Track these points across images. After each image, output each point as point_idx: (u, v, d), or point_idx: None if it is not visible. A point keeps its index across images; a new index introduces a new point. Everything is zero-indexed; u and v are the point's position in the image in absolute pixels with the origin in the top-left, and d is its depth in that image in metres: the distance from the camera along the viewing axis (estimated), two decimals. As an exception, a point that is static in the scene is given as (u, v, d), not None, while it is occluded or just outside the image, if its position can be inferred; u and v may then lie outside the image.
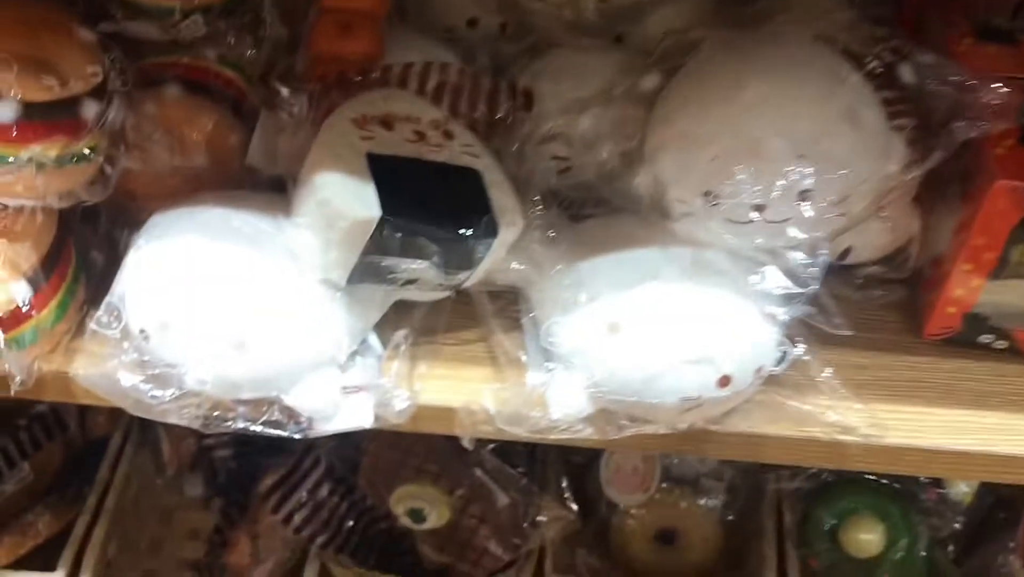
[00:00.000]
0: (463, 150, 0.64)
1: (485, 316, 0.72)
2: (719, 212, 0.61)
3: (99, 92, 0.63)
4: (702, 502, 1.05)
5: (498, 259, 0.63)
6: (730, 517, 1.06)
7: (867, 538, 0.99)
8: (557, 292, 0.66)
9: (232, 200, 0.66)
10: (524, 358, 0.68)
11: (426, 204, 0.58)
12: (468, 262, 0.62)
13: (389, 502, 0.96)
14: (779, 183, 0.59)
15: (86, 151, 0.64)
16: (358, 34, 0.73)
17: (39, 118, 0.60)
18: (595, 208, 0.74)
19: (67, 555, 0.98)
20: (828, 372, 0.67)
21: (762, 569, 1.01)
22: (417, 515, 0.95)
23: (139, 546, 1.11)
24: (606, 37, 0.81)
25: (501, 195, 0.62)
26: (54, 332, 0.68)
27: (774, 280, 0.59)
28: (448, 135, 0.64)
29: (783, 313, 0.59)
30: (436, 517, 0.95)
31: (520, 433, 0.63)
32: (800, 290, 0.59)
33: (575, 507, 1.02)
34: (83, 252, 0.73)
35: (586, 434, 0.64)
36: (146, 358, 0.62)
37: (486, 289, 0.72)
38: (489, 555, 0.98)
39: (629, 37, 0.82)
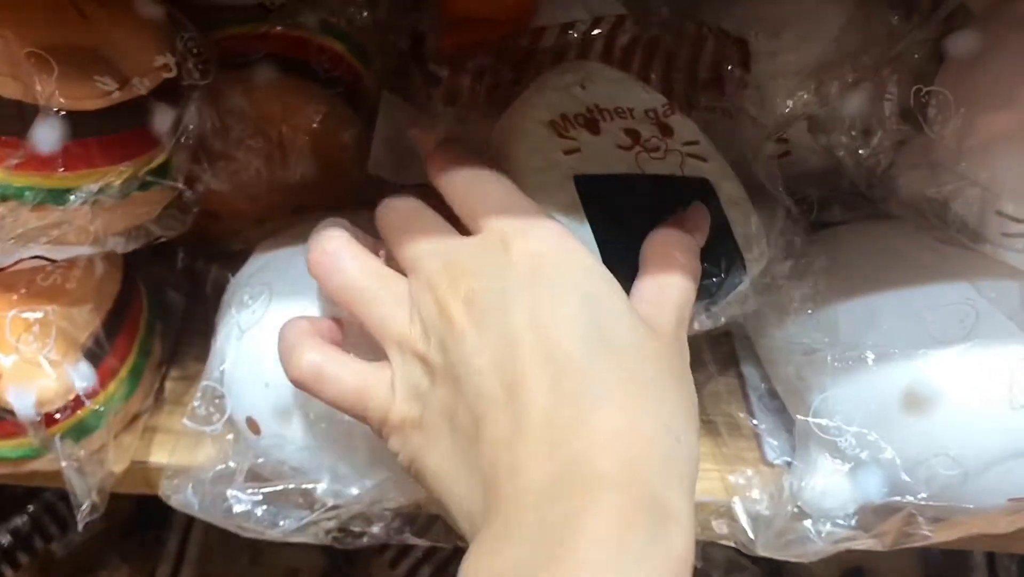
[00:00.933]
0: (687, 151, 0.44)
1: (698, 362, 0.54)
2: (1078, 236, 0.41)
3: (172, 90, 0.45)
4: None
5: (739, 304, 0.44)
6: (932, 554, 0.89)
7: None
8: (815, 347, 0.47)
9: (360, 227, 0.48)
10: (761, 433, 0.50)
11: None
12: (705, 312, 0.43)
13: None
14: None
15: (158, 174, 0.45)
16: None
17: (93, 136, 0.41)
18: (838, 212, 0.55)
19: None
20: None
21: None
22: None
23: (229, 593, 0.96)
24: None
25: (741, 215, 0.43)
26: (127, 409, 0.51)
27: None
28: (666, 130, 0.44)
29: None
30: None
31: (787, 557, 0.44)
32: None
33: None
34: (155, 295, 0.55)
35: (869, 546, 0.46)
36: (259, 460, 0.44)
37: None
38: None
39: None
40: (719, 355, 0.55)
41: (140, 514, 0.92)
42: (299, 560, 0.98)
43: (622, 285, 0.36)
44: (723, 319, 0.45)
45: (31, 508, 0.83)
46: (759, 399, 0.52)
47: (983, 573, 0.86)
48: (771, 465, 0.50)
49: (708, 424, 0.52)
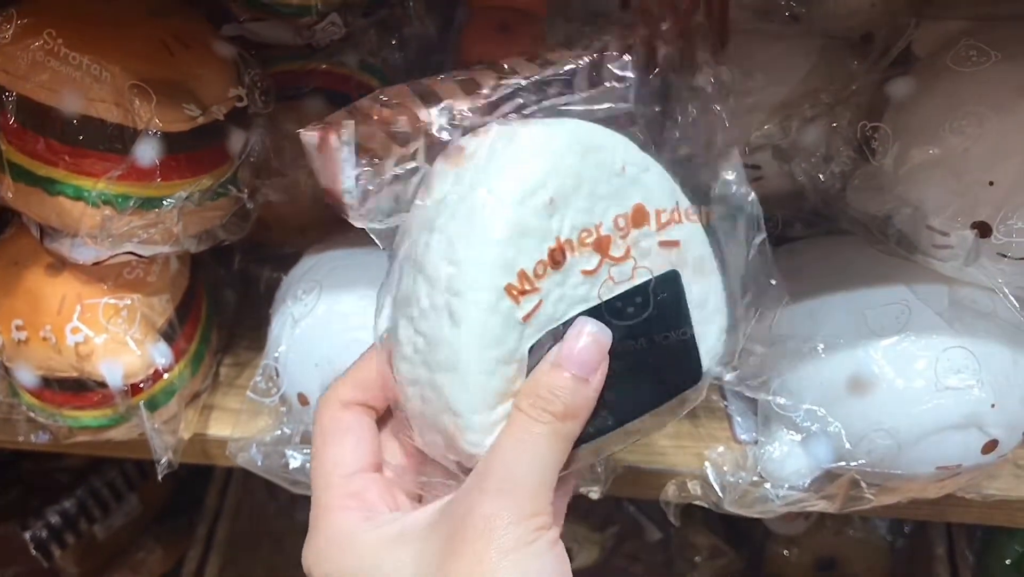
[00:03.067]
0: (665, 236, 0.39)
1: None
2: (991, 247, 0.50)
3: (241, 116, 0.54)
4: (866, 528, 0.95)
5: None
6: (897, 544, 0.96)
7: (1058, 570, 0.88)
8: (773, 340, 0.56)
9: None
10: (732, 414, 0.58)
11: (631, 375, 0.38)
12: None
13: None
14: (1074, 213, 0.48)
15: (227, 185, 0.54)
16: (517, 33, 0.63)
17: (182, 152, 0.50)
18: (799, 228, 0.64)
19: (181, 592, 0.90)
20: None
21: (935, 601, 0.91)
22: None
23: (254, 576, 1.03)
24: (778, 18, 0.70)
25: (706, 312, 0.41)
26: (190, 387, 0.59)
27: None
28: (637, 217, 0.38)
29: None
30: (586, 557, 0.85)
31: (748, 513, 0.53)
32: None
33: (727, 536, 0.92)
34: (215, 292, 0.64)
35: (820, 508, 0.54)
36: (311, 428, 0.53)
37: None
38: (640, 594, 0.89)
39: (806, 18, 0.70)
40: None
41: (173, 501, 1.00)
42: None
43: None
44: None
45: (78, 492, 0.90)
46: (731, 387, 0.61)
47: (945, 564, 0.93)
48: (740, 442, 0.59)
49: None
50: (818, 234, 0.62)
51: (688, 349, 0.39)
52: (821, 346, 0.53)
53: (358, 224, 0.37)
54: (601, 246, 0.37)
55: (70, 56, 0.48)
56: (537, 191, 0.35)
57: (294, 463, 0.52)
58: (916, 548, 0.96)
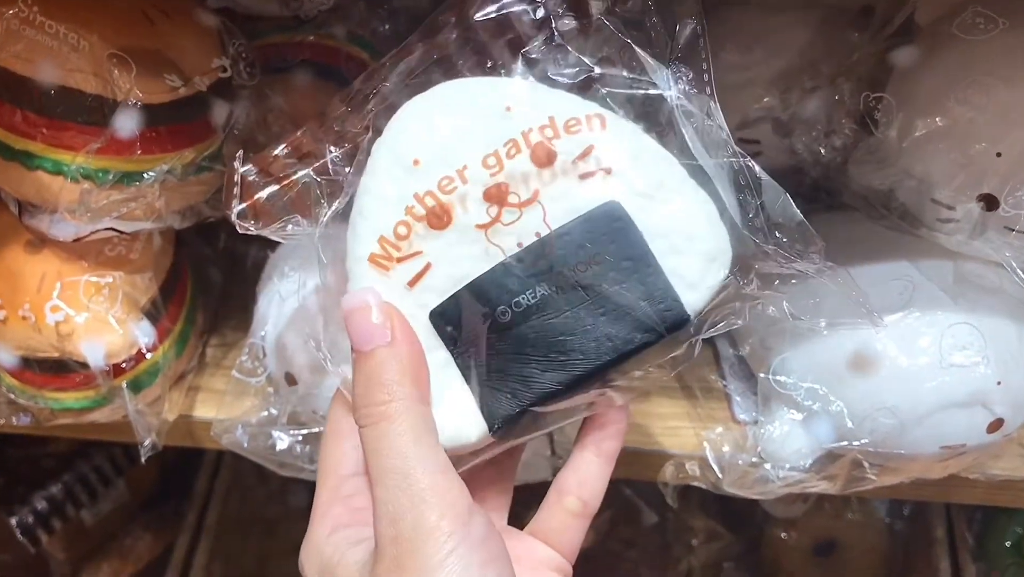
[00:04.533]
0: (585, 168, 0.36)
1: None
2: (998, 220, 0.49)
3: (225, 88, 0.52)
4: (865, 511, 0.94)
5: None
6: (897, 526, 0.95)
7: (1059, 552, 0.87)
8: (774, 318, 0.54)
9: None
10: (731, 394, 0.57)
11: (558, 329, 0.36)
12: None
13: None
14: (1084, 183, 0.46)
15: (211, 159, 0.52)
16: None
17: (164, 124, 0.48)
18: (799, 205, 0.62)
19: (171, 577, 0.89)
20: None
21: (935, 584, 0.90)
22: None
23: (244, 563, 1.02)
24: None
25: (670, 242, 0.36)
26: (175, 368, 0.58)
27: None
28: (545, 156, 0.36)
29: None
30: (581, 540, 0.84)
31: (748, 495, 0.52)
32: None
33: (725, 519, 0.91)
34: (200, 271, 0.62)
35: (821, 488, 0.53)
36: (299, 409, 0.51)
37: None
38: (637, 579, 0.88)
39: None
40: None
41: (162, 487, 0.99)
42: (308, 534, 1.03)
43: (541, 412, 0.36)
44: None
45: (65, 477, 0.89)
46: (730, 366, 0.60)
47: (944, 546, 0.92)
48: (739, 422, 0.57)
49: (685, 388, 0.60)
50: (819, 210, 0.60)
51: (654, 288, 0.35)
52: (823, 323, 0.51)
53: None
54: (496, 195, 0.35)
55: (46, 24, 0.46)
56: (400, 158, 0.35)
57: (281, 444, 0.50)
58: (915, 530, 0.95)
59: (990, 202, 0.48)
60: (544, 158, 0.35)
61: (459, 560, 0.31)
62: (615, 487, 0.81)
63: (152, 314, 0.54)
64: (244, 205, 0.39)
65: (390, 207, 0.35)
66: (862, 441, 0.51)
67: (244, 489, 1.02)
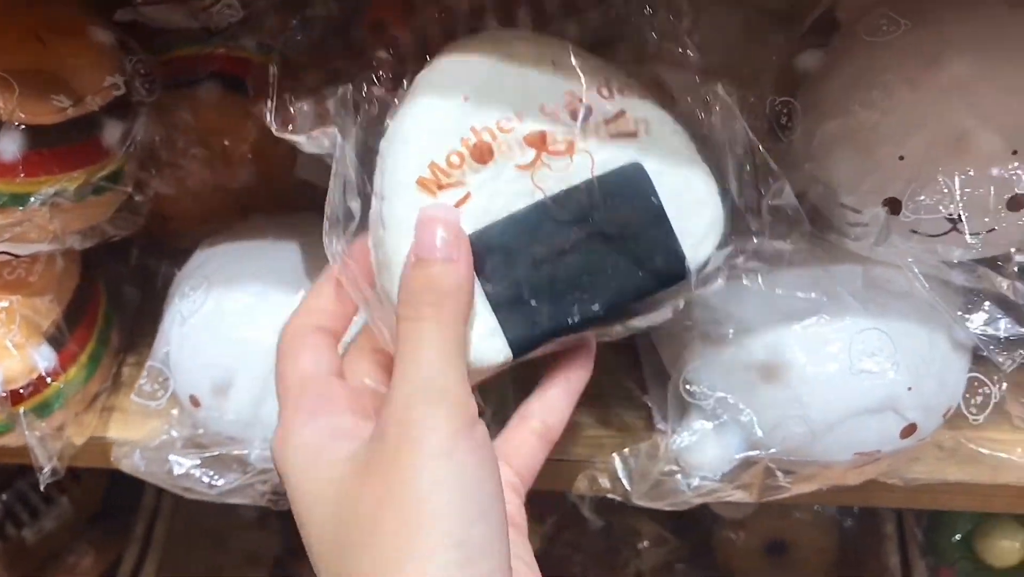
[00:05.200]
0: (612, 130, 0.39)
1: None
2: (904, 224, 0.48)
3: (121, 106, 0.51)
4: (815, 509, 0.93)
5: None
6: (847, 524, 0.95)
7: (1008, 545, 0.87)
8: (690, 325, 0.54)
9: (293, 226, 0.54)
10: (650, 404, 0.56)
11: (579, 269, 0.39)
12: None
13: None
14: (985, 188, 0.46)
15: (110, 180, 0.51)
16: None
17: (50, 147, 0.47)
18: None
19: (118, 594, 0.88)
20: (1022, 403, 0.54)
21: (886, 581, 0.90)
22: (504, 547, 0.83)
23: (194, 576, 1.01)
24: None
25: (682, 203, 0.40)
26: (86, 391, 0.57)
27: (985, 317, 0.47)
28: (583, 113, 0.39)
29: (1007, 362, 0.46)
30: (525, 548, 0.83)
31: (660, 506, 0.51)
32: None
33: (673, 521, 0.91)
34: (113, 289, 0.61)
35: (737, 498, 0.52)
36: (199, 431, 0.51)
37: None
38: (584, 585, 0.87)
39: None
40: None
41: (107, 502, 0.97)
42: (258, 544, 1.03)
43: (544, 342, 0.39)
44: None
45: (4, 496, 0.88)
46: (651, 374, 0.59)
47: (894, 543, 0.92)
48: (659, 431, 0.57)
49: (606, 397, 0.59)
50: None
51: (664, 244, 0.40)
52: (732, 331, 0.51)
53: None
54: (537, 141, 0.38)
55: (-71, 48, 0.45)
56: (450, 92, 0.38)
57: (178, 469, 0.49)
58: (865, 528, 0.95)
59: (894, 206, 0.48)
60: (582, 114, 0.39)
61: (457, 460, 0.32)
62: (559, 494, 0.81)
63: (56, 338, 0.53)
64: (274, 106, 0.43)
65: (442, 136, 0.37)
66: (773, 450, 0.50)
67: (193, 501, 1.01)
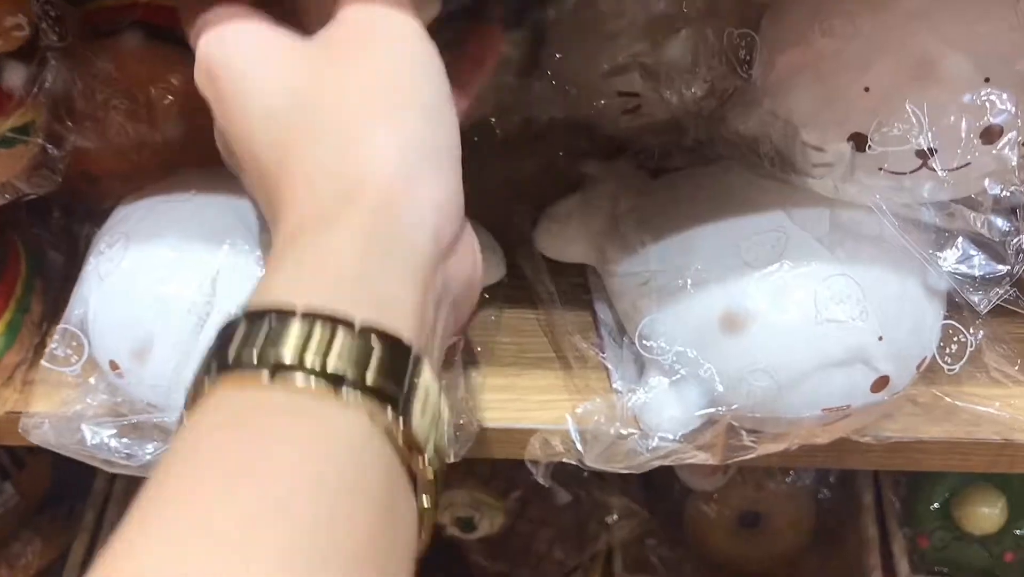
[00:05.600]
0: None
1: (549, 302, 0.57)
2: (871, 160, 0.45)
3: (27, 51, 0.47)
4: (788, 480, 0.91)
5: None
6: (821, 495, 0.92)
7: (986, 512, 0.85)
8: (646, 276, 0.50)
9: (220, 181, 0.50)
10: (608, 364, 0.53)
11: None
12: None
13: (432, 510, 0.81)
14: (956, 118, 0.43)
15: (18, 131, 0.47)
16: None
17: (-55, 93, 0.43)
18: (679, 159, 0.58)
19: (66, 586, 0.84)
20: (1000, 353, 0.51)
21: (863, 552, 0.88)
22: (467, 524, 0.81)
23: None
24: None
25: None
26: (3, 362, 0.53)
27: (958, 254, 0.43)
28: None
29: (982, 301, 0.42)
30: (489, 525, 0.80)
31: (616, 468, 0.48)
32: (1000, 268, 0.42)
33: (644, 495, 0.88)
34: (35, 253, 0.57)
35: (699, 459, 0.49)
36: (119, 400, 0.47)
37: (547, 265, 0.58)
38: (551, 560, 0.84)
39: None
40: (569, 291, 0.58)
41: (55, 488, 0.93)
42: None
43: None
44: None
45: (-55, 484, 0.84)
46: (609, 333, 0.56)
47: (871, 513, 0.89)
48: (618, 392, 0.53)
49: (562, 358, 0.55)
50: (699, 164, 0.56)
51: None
52: (690, 281, 0.48)
53: None
54: None
55: None
56: None
57: (93, 439, 0.46)
58: (842, 497, 0.92)
59: (859, 141, 0.44)
60: None
61: (427, 46, 0.33)
62: (523, 467, 0.77)
63: (-35, 303, 0.49)
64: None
65: None
66: (735, 406, 0.47)
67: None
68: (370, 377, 0.26)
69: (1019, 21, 0.43)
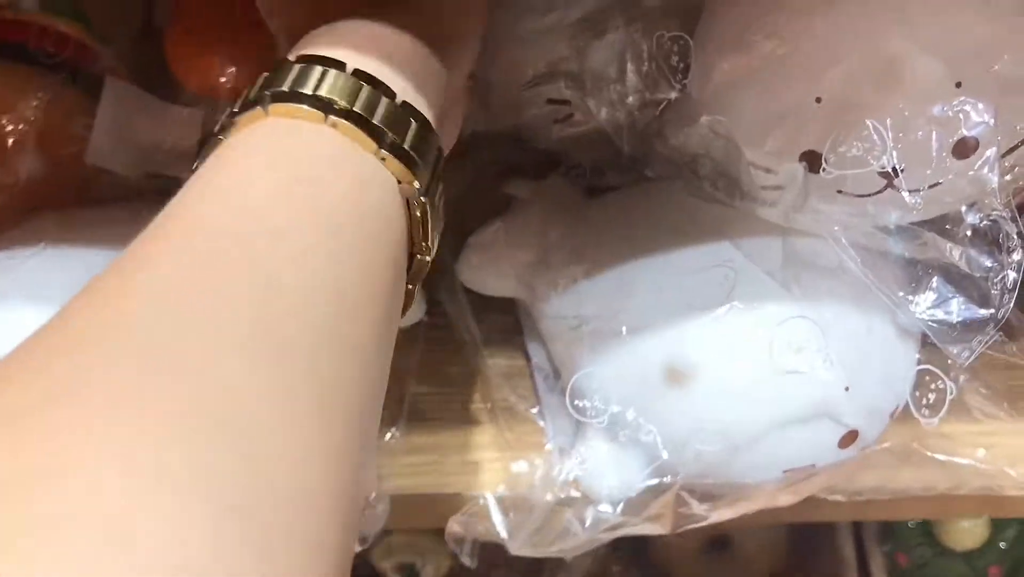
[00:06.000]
0: None
1: (474, 345, 0.50)
2: (827, 183, 0.38)
3: None
4: (759, 501, 0.85)
5: None
6: (796, 515, 0.86)
7: (968, 527, 0.79)
8: (577, 321, 0.43)
9: (89, 225, 0.43)
10: (541, 421, 0.46)
11: None
12: None
13: (371, 558, 0.74)
14: (925, 130, 0.36)
15: None
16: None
17: None
18: (615, 176, 0.52)
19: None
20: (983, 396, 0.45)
21: (841, 572, 0.82)
22: (409, 571, 0.74)
23: None
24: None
25: None
26: None
27: (933, 297, 0.37)
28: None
29: (963, 352, 0.36)
30: (433, 571, 0.74)
31: (549, 554, 0.41)
32: (982, 312, 0.36)
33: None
34: None
35: (648, 531, 0.42)
36: None
37: (469, 304, 0.51)
38: (504, 600, 0.78)
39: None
40: (498, 330, 0.51)
41: None
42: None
43: None
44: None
45: None
46: (544, 378, 0.49)
47: (847, 532, 0.84)
48: (553, 453, 0.46)
49: (489, 412, 0.49)
50: (632, 183, 0.49)
51: None
52: (625, 328, 0.41)
53: None
54: None
55: None
56: None
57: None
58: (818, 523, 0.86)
59: (813, 160, 0.38)
60: None
61: None
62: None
63: None
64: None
65: None
66: (682, 474, 0.40)
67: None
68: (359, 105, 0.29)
69: (995, 11, 0.36)
